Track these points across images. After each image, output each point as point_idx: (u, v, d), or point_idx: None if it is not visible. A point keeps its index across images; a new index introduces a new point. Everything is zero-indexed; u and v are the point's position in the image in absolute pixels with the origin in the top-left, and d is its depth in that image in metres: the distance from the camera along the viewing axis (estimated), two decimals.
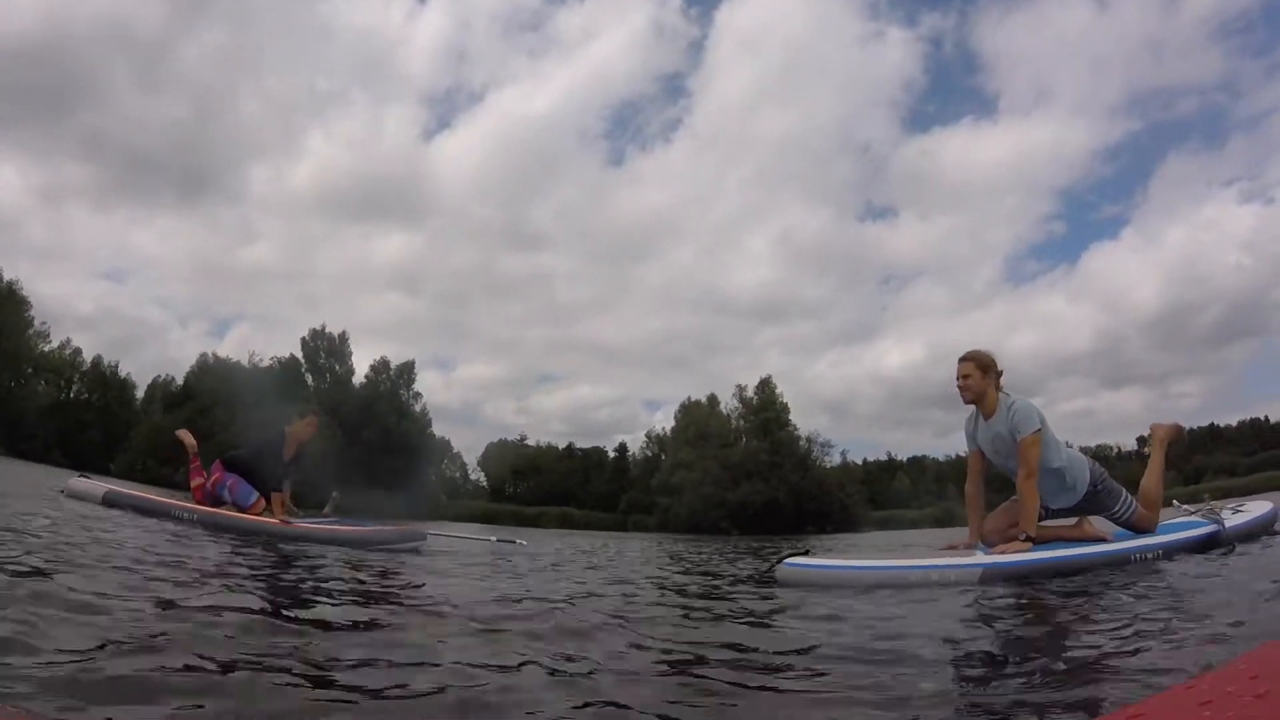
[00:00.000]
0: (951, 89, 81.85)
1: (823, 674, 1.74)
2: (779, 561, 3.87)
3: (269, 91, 73.95)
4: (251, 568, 3.48)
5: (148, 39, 66.87)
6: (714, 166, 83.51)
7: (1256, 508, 4.54)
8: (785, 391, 53.33)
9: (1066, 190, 78.43)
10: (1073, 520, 4.18)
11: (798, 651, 2.04)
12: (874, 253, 76.49)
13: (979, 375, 4.07)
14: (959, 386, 4.13)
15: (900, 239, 76.88)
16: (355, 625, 2.22)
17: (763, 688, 1.61)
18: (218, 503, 6.43)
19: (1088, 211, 76.65)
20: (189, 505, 6.29)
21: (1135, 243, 74.29)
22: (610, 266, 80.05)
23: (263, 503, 6.28)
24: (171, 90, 70.04)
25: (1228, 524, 4.13)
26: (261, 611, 2.21)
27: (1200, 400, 62.31)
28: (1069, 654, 1.86)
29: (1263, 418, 54.78)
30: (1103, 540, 4.01)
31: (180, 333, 69.93)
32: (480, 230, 77.15)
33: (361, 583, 3.38)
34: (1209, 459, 45.95)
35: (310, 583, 3.21)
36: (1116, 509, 4.15)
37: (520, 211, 79.15)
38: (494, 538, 7.72)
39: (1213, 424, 54.58)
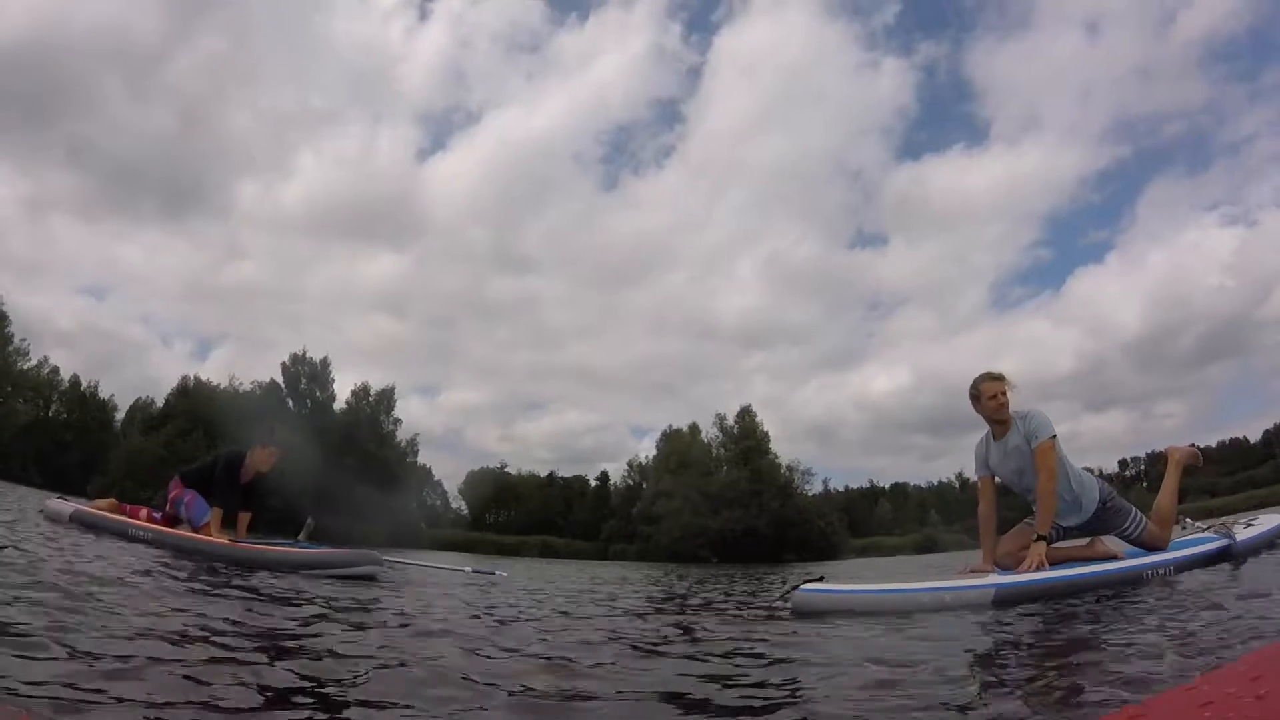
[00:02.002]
0: (944, 116, 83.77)
1: (832, 695, 1.78)
2: (793, 588, 3.91)
3: (262, 107, 74.56)
4: (178, 588, 3.42)
5: (142, 49, 66.91)
6: (706, 192, 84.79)
7: (1267, 521, 4.57)
8: (771, 418, 53.74)
9: (1053, 216, 79.87)
10: (1085, 540, 4.25)
11: (809, 676, 2.07)
12: (862, 279, 77.56)
13: (1009, 394, 4.22)
14: (995, 405, 4.21)
15: (889, 265, 78.02)
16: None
17: (772, 709, 1.67)
18: (176, 521, 6.42)
19: (1074, 237, 78.55)
20: (143, 524, 6.37)
21: (1119, 267, 75.94)
22: (599, 291, 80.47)
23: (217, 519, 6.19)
24: (163, 102, 70.13)
25: (1239, 538, 4.15)
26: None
27: (1182, 421, 62.96)
28: (1070, 658, 1.88)
29: (1242, 437, 55.44)
30: (1115, 558, 4.06)
31: (163, 352, 69.11)
32: (470, 253, 77.50)
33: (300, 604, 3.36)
34: (1190, 480, 46.55)
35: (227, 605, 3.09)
36: (1127, 526, 4.22)
37: (511, 235, 79.41)
38: (469, 568, 7.47)
39: (1193, 444, 55.10)
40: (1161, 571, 3.86)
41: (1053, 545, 4.08)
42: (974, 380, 4.34)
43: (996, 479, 4.38)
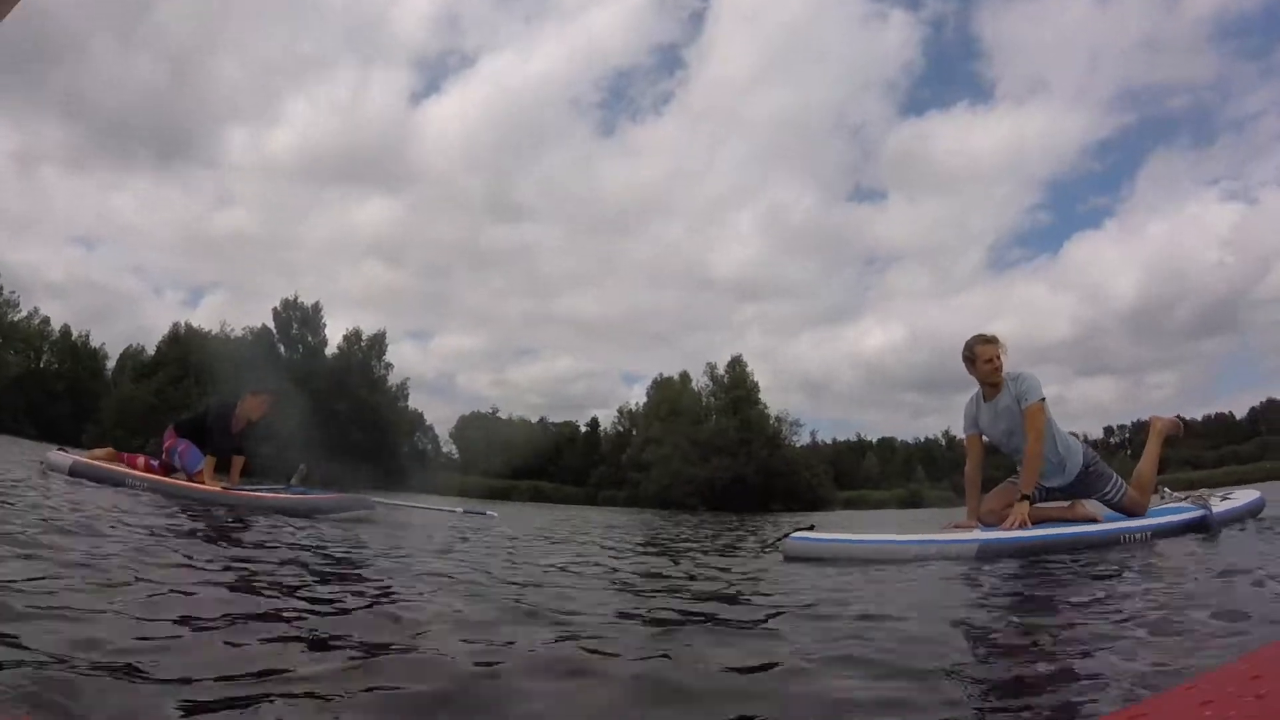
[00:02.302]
0: (950, 74, 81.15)
1: (817, 635, 1.84)
2: (785, 536, 4.05)
3: (252, 52, 71.87)
4: (176, 539, 3.39)
5: None
6: (705, 142, 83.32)
7: (1243, 495, 4.71)
8: (765, 370, 54.12)
9: (1054, 180, 77.65)
10: (1066, 502, 4.39)
11: (796, 617, 2.14)
12: (860, 234, 76.73)
13: (1004, 356, 4.30)
14: (990, 369, 4.28)
15: (887, 222, 77.30)
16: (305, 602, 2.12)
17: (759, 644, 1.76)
18: (171, 469, 6.62)
19: (1074, 202, 77.04)
20: (139, 474, 6.54)
21: (1118, 235, 75.36)
22: (595, 240, 79.42)
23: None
24: (151, 50, 67.18)
25: (1215, 510, 4.29)
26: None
27: (1172, 392, 63.26)
28: (1068, 651, 1.81)
29: (1228, 413, 56.27)
30: (1094, 521, 4.20)
31: (154, 302, 68.69)
32: (464, 199, 76.24)
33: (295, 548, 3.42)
34: (1174, 451, 47.59)
35: (227, 552, 3.14)
36: (1108, 491, 4.36)
37: (507, 180, 77.31)
38: (460, 508, 7.58)
39: (1179, 416, 55.96)
40: (1139, 537, 3.99)
41: (1035, 505, 4.20)
42: (967, 342, 4.40)
43: (984, 438, 4.48)
